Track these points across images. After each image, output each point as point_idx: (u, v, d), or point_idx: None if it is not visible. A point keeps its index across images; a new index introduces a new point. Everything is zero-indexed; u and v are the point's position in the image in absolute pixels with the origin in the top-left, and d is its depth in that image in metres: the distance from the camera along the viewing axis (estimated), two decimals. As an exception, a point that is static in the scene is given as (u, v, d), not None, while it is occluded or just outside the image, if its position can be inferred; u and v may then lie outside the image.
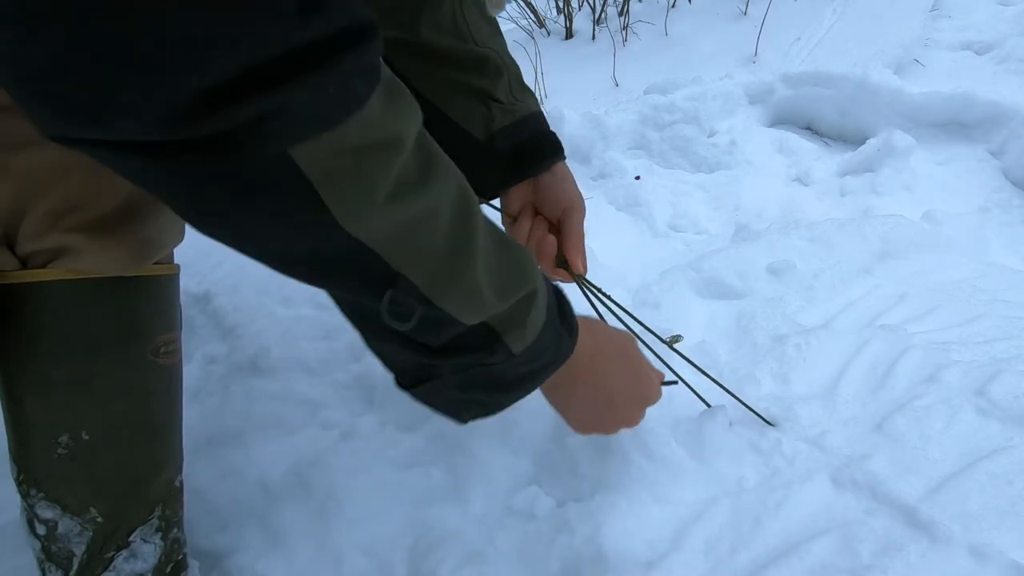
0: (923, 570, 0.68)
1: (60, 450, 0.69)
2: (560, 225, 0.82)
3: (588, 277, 0.90)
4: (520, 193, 0.84)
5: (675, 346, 0.93)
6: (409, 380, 0.57)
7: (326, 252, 0.44)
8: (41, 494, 0.71)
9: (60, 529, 0.71)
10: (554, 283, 0.61)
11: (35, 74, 0.34)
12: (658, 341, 0.94)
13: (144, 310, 0.72)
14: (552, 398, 0.71)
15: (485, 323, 0.52)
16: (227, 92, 0.34)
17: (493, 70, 0.81)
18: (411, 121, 0.43)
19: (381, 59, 0.41)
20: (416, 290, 0.47)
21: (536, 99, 0.86)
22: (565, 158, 0.85)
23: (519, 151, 0.82)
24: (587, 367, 0.65)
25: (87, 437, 0.69)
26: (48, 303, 0.66)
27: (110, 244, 0.66)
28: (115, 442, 0.71)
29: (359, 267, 0.45)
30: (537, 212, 0.86)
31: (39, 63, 0.33)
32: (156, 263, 0.73)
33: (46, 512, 0.71)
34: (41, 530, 0.72)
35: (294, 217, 0.41)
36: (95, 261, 0.66)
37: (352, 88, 0.38)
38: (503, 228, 0.80)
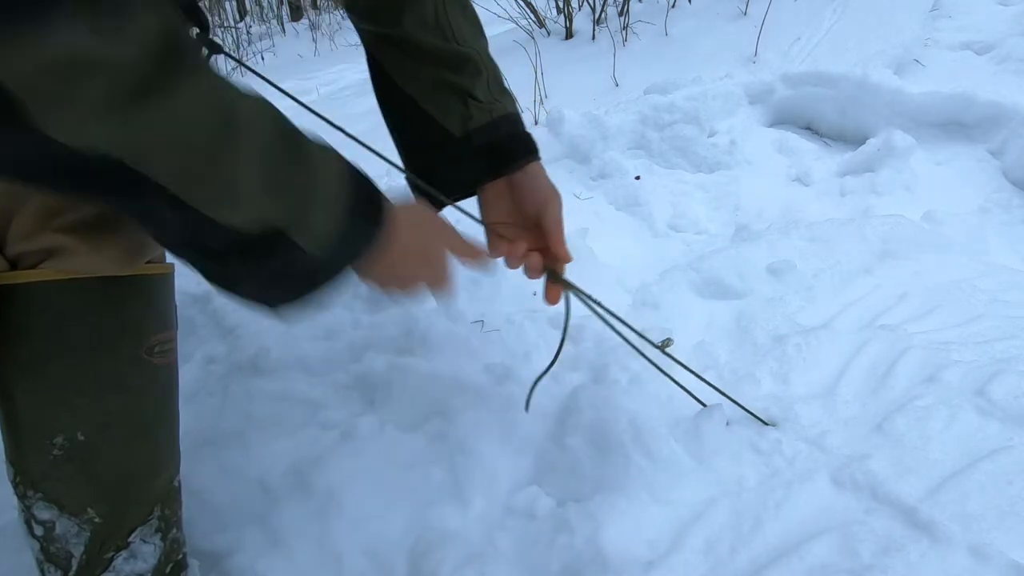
0: (923, 570, 0.68)
1: (56, 451, 0.68)
2: (539, 220, 0.83)
3: (585, 275, 0.90)
4: (496, 192, 0.85)
5: (667, 349, 0.93)
6: (212, 279, 0.58)
7: (52, 165, 0.45)
8: (39, 495, 0.70)
9: (58, 530, 0.71)
10: (361, 173, 0.61)
11: None
12: (650, 346, 0.94)
13: (137, 310, 0.72)
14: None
15: (270, 225, 0.52)
16: None
17: (473, 69, 0.82)
18: (131, 42, 0.44)
19: None
20: (169, 194, 0.47)
21: (514, 101, 0.88)
22: (540, 159, 0.86)
23: (494, 149, 0.83)
24: (384, 262, 0.65)
25: (82, 438, 0.69)
26: (39, 304, 0.66)
27: (101, 244, 0.66)
28: (111, 442, 0.71)
29: (100, 177, 0.46)
30: (516, 225, 0.86)
31: None
32: (149, 262, 0.73)
33: (44, 513, 0.71)
34: (39, 531, 0.72)
35: (4, 131, 0.42)
36: (86, 262, 0.66)
37: (29, 8, 0.39)
38: (485, 243, 0.82)
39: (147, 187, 0.47)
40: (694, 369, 0.96)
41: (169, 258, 0.77)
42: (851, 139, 1.81)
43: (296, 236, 0.54)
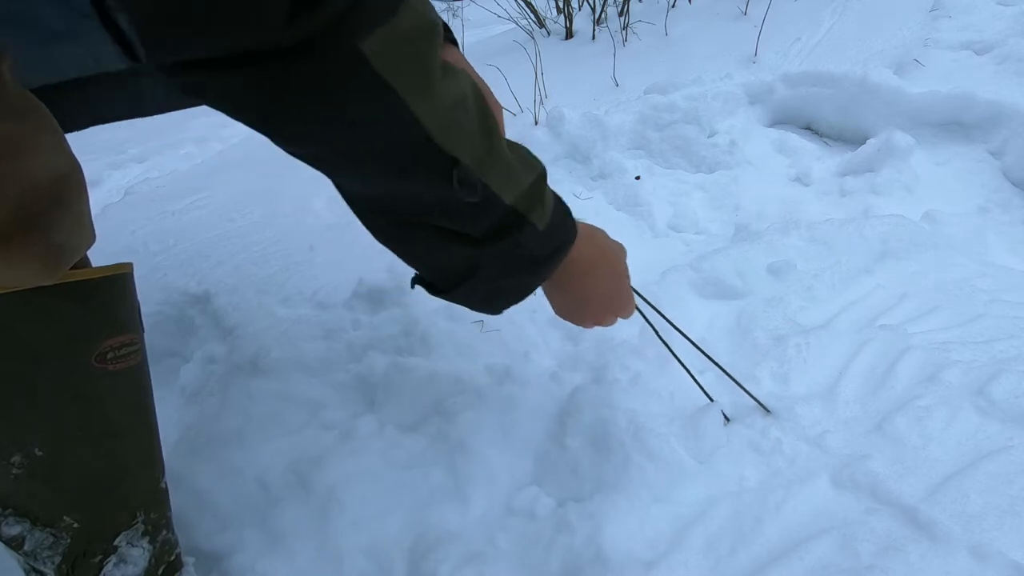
0: (923, 570, 0.68)
1: (16, 469, 0.67)
2: None
3: None
4: None
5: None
6: (449, 281, 0.62)
7: (395, 141, 0.48)
8: (8, 510, 0.69)
9: (27, 546, 0.69)
10: None
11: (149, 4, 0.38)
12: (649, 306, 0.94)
13: (79, 317, 0.68)
14: (554, 294, 0.77)
15: (514, 206, 0.57)
16: None
17: None
18: (435, 12, 0.49)
19: None
20: (468, 169, 0.52)
21: None
22: (454, 42, 0.80)
23: None
24: (583, 259, 0.70)
25: (40, 453, 0.67)
26: None
27: (13, 257, 0.61)
28: (74, 454, 0.69)
29: (422, 153, 0.50)
30: None
31: None
32: (76, 266, 0.68)
33: (12, 529, 0.69)
34: (10, 548, 0.70)
35: (365, 109, 0.46)
36: (3, 277, 0.62)
37: None
38: None
39: (459, 166, 0.51)
40: (695, 367, 0.96)
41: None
42: (851, 139, 1.81)
43: (531, 215, 0.59)
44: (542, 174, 0.61)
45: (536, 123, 1.93)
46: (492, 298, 0.67)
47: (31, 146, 0.62)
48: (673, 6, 2.53)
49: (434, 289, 0.66)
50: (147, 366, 0.78)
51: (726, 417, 0.90)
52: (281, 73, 0.42)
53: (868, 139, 1.65)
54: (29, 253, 0.63)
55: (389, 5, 0.43)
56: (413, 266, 0.64)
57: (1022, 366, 0.91)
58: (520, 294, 0.68)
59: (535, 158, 0.62)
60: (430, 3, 0.48)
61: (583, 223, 0.71)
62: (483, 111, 0.53)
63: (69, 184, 0.66)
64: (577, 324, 0.81)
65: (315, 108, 0.45)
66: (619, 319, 0.81)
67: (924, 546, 0.70)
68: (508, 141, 0.59)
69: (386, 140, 0.49)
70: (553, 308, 0.80)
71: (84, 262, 0.73)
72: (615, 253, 0.77)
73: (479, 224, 0.57)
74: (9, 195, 0.61)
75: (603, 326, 0.80)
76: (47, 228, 0.64)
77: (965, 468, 0.78)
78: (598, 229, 0.76)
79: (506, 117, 2.05)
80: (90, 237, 0.71)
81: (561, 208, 0.66)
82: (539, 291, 0.87)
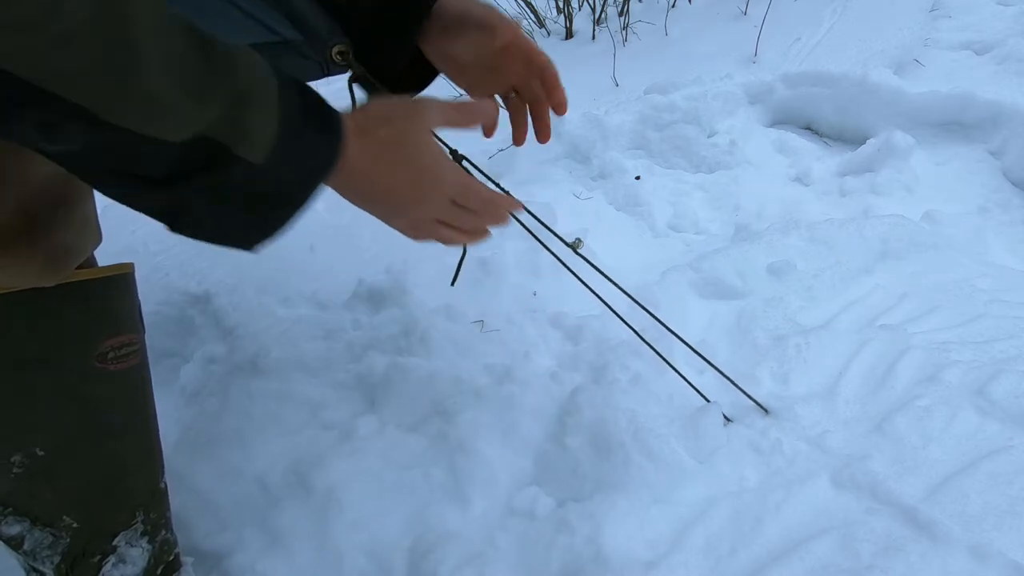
0: (923, 570, 0.68)
1: (16, 469, 0.66)
2: (491, 58, 0.71)
3: (585, 274, 0.89)
4: (438, 51, 0.74)
5: (579, 251, 0.88)
6: (168, 221, 0.51)
7: None
8: (8, 510, 0.69)
9: (26, 546, 0.70)
10: (302, 82, 0.53)
11: None
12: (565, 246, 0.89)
13: (77, 317, 0.68)
14: (341, 195, 0.63)
15: (201, 136, 0.46)
16: None
17: None
18: None
19: None
20: (69, 104, 0.40)
21: None
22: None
23: (378, 11, 0.72)
24: (354, 167, 0.57)
25: (41, 453, 0.67)
26: None
27: (15, 259, 0.61)
28: (73, 454, 0.69)
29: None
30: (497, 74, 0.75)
31: None
32: (81, 266, 0.69)
33: (11, 528, 0.69)
34: (10, 547, 0.70)
35: None
36: (5, 278, 0.61)
37: None
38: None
39: (57, 107, 0.40)
40: (695, 367, 0.96)
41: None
42: (851, 139, 1.81)
43: (237, 148, 0.47)
44: (241, 94, 0.48)
45: (536, 123, 1.93)
46: (236, 233, 0.55)
47: None
48: (673, 6, 2.53)
49: (169, 229, 0.53)
50: (147, 366, 0.78)
51: (726, 418, 0.90)
52: None
53: (868, 139, 1.65)
54: (31, 254, 0.62)
55: None
56: (122, 203, 0.51)
57: (1022, 366, 0.91)
58: (268, 228, 0.55)
59: (240, 69, 0.48)
60: None
61: (358, 115, 0.58)
62: (112, 27, 0.41)
63: (75, 184, 0.66)
64: (406, 228, 0.67)
65: None
66: (467, 208, 0.66)
67: (924, 546, 0.70)
68: (210, 51, 0.47)
69: None
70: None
71: (90, 262, 0.73)
72: (403, 130, 0.61)
73: (147, 166, 0.46)
74: (12, 195, 0.61)
75: (449, 224, 0.66)
76: (50, 228, 0.64)
77: (965, 468, 0.78)
78: (380, 106, 0.61)
79: (505, 116, 2.04)
80: (95, 238, 0.71)
81: (301, 126, 0.52)
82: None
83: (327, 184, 0.57)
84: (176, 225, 0.51)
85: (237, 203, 0.51)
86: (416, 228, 0.66)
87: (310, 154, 0.54)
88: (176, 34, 0.45)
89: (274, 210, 0.54)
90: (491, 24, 0.72)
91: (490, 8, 0.74)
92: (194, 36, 0.46)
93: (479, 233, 0.69)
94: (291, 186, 0.53)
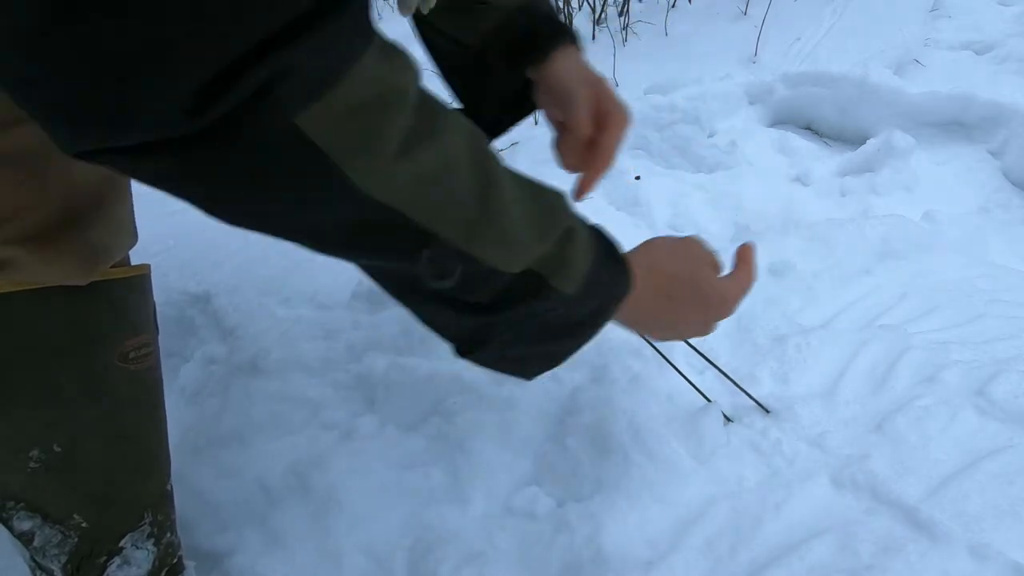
0: (923, 570, 0.68)
1: (32, 464, 0.67)
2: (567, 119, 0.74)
3: None
4: (544, 104, 0.77)
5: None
6: (468, 346, 0.57)
7: (352, 220, 0.43)
8: (21, 505, 0.69)
9: (36, 542, 0.70)
10: (593, 223, 0.58)
11: (46, 92, 0.34)
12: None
13: (105, 316, 0.69)
14: (628, 326, 0.68)
15: (529, 269, 0.51)
16: (233, 70, 0.33)
17: None
18: (408, 75, 0.43)
19: (371, 18, 0.41)
20: (451, 244, 0.46)
21: None
22: (572, 42, 0.74)
23: (511, 49, 0.74)
24: (647, 297, 0.61)
25: (59, 449, 0.67)
26: None
27: (54, 255, 0.63)
28: (90, 452, 0.69)
29: (389, 231, 0.44)
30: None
31: (47, 79, 0.33)
32: (114, 266, 0.70)
33: (23, 524, 0.69)
34: (19, 543, 0.71)
35: (312, 189, 0.41)
36: (39, 273, 0.63)
37: (348, 45, 0.38)
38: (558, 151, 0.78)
39: (433, 242, 0.45)
40: (695, 367, 0.96)
41: (141, 259, 0.75)
42: (851, 139, 1.81)
43: (554, 280, 0.52)
44: (568, 231, 0.52)
45: (536, 123, 1.93)
46: (522, 363, 0.60)
47: None
48: (673, 6, 2.53)
49: (457, 352, 0.59)
50: (160, 367, 0.79)
51: (727, 417, 0.90)
52: (206, 157, 0.37)
53: (868, 139, 1.65)
54: (68, 252, 0.64)
55: (326, 78, 0.37)
56: (426, 326, 0.57)
57: (1022, 366, 0.91)
58: (555, 359, 0.60)
59: (562, 209, 0.53)
60: (403, 63, 0.42)
61: (642, 252, 0.63)
62: (480, 171, 0.47)
63: (114, 185, 0.68)
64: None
65: (250, 190, 0.40)
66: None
67: (924, 546, 0.70)
68: (537, 189, 0.52)
69: (338, 220, 0.43)
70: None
71: (124, 262, 0.73)
72: (688, 269, 0.65)
73: (480, 294, 0.50)
74: (56, 194, 0.63)
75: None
76: (87, 228, 0.65)
77: (965, 468, 0.78)
78: (661, 246, 0.66)
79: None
80: (130, 239, 0.73)
81: (604, 261, 0.56)
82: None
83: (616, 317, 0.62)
84: (473, 350, 0.57)
85: (538, 332, 0.55)
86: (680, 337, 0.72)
87: (611, 287, 0.58)
88: (514, 177, 0.51)
89: (566, 341, 0.58)
90: (572, 91, 0.74)
91: (590, 75, 0.74)
92: (523, 178, 0.52)
93: None
94: (588, 316, 0.57)
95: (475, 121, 0.72)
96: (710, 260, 0.68)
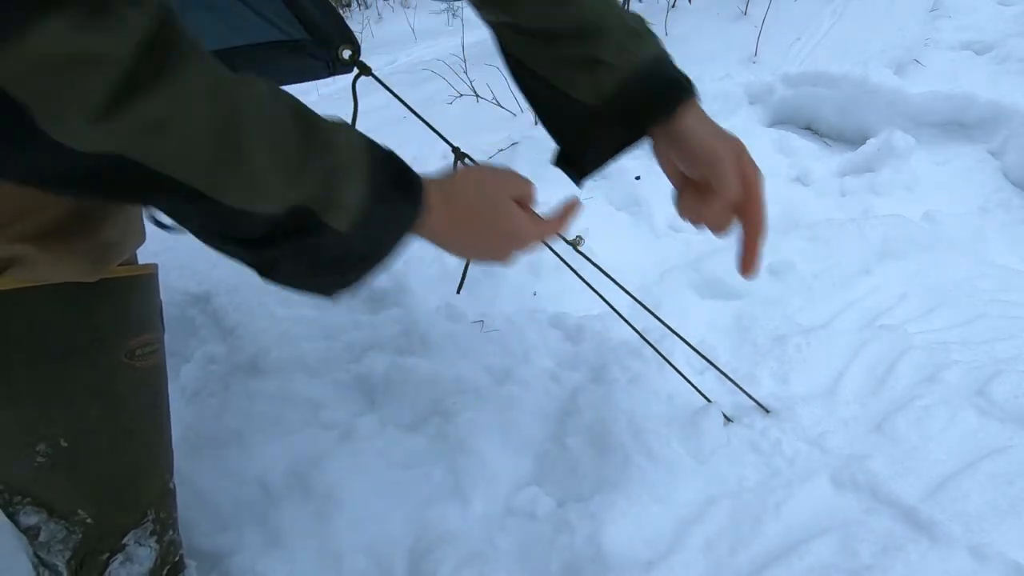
0: (923, 570, 0.68)
1: (39, 458, 0.68)
2: (711, 181, 0.73)
3: (586, 274, 0.89)
4: (661, 150, 0.78)
5: (580, 248, 0.91)
6: (261, 271, 0.57)
7: (72, 169, 0.45)
8: (27, 499, 0.70)
9: (42, 537, 0.70)
10: (382, 147, 0.59)
11: None
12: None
13: (112, 314, 0.70)
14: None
15: (296, 206, 0.51)
16: None
17: (593, 33, 0.74)
18: (116, 37, 0.43)
19: None
20: (189, 188, 0.47)
21: (653, 39, 0.78)
22: (693, 97, 0.75)
23: (629, 109, 0.75)
24: (441, 227, 0.63)
25: (65, 444, 0.68)
26: (5, 312, 0.64)
27: (64, 252, 0.64)
28: (95, 447, 0.70)
29: (117, 178, 0.46)
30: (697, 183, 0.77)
31: None
32: (121, 264, 0.71)
33: (29, 519, 0.70)
34: (24, 537, 0.71)
35: (18, 140, 0.42)
36: (50, 271, 0.64)
37: (20, 4, 0.39)
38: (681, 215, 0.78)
39: (166, 184, 0.46)
40: (695, 367, 0.96)
41: (142, 259, 0.77)
42: (851, 139, 1.81)
43: (326, 217, 0.53)
44: (333, 170, 0.53)
45: (536, 123, 1.93)
46: (318, 286, 0.60)
47: None
48: (673, 6, 2.54)
49: (259, 275, 0.58)
50: (165, 366, 0.80)
51: (727, 417, 0.90)
52: None
53: (868, 139, 1.65)
54: (78, 250, 0.65)
55: (7, 27, 0.38)
56: (222, 255, 0.57)
57: (1022, 366, 0.91)
58: (347, 283, 0.60)
59: (334, 147, 0.54)
60: (112, 26, 0.42)
61: (449, 181, 0.64)
62: (220, 120, 0.47)
63: None
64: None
65: None
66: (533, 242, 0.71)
67: (924, 546, 0.70)
68: (311, 128, 0.52)
69: (59, 168, 0.45)
70: None
71: (131, 261, 0.75)
72: (489, 203, 0.67)
73: (244, 230, 0.51)
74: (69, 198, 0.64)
75: (504, 261, 0.71)
76: (97, 226, 0.67)
77: (965, 468, 0.78)
78: (471, 177, 0.67)
79: (506, 117, 2.05)
80: (138, 237, 0.74)
81: (387, 195, 0.57)
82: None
83: (419, 237, 0.63)
84: (264, 276, 0.57)
85: (320, 263, 0.57)
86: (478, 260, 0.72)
87: (392, 221, 0.59)
88: (280, 117, 0.51)
89: (353, 269, 0.59)
90: (715, 154, 0.73)
91: (723, 138, 0.74)
92: (298, 117, 0.52)
93: None
94: (371, 249, 0.59)
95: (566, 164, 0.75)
96: (520, 192, 0.70)
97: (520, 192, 0.70)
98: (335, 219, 0.53)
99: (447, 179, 0.64)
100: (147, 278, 0.75)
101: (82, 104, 0.42)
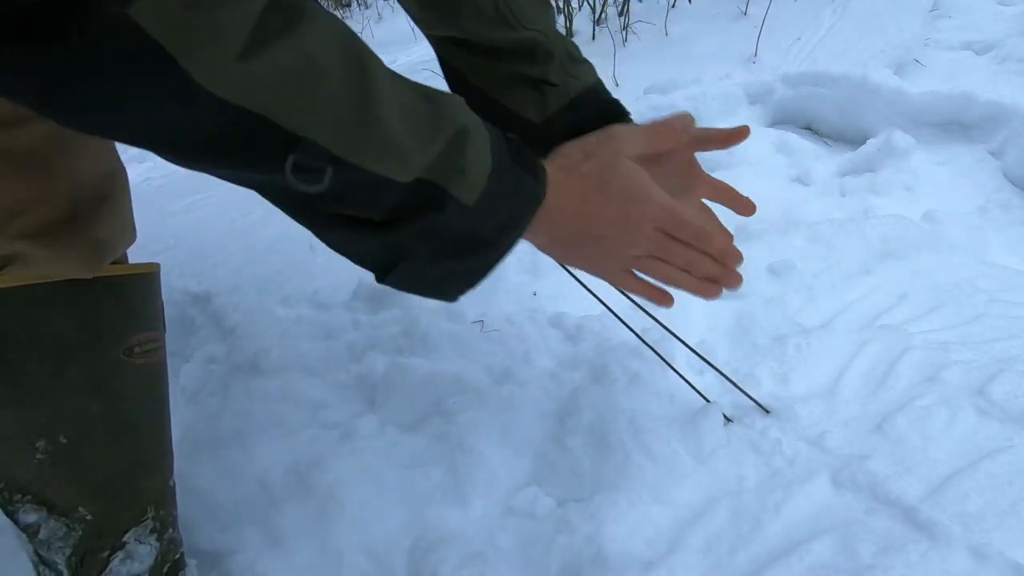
0: (923, 570, 0.68)
1: (39, 455, 0.68)
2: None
3: (585, 275, 0.89)
4: None
5: None
6: (381, 269, 0.54)
7: (205, 124, 0.41)
8: (28, 497, 0.70)
9: (42, 535, 0.71)
10: (501, 128, 0.56)
11: None
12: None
13: (112, 311, 0.70)
14: (542, 247, 0.65)
15: (420, 179, 0.48)
16: None
17: (543, 55, 0.76)
18: None
19: None
20: (321, 148, 0.44)
21: (592, 67, 0.81)
22: (630, 118, 0.78)
23: (573, 129, 0.72)
24: (563, 208, 0.58)
25: (64, 441, 0.68)
26: (4, 310, 0.64)
27: (59, 250, 0.64)
28: (95, 444, 0.71)
29: (249, 135, 0.42)
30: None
31: None
32: (114, 263, 0.71)
33: (28, 517, 0.70)
34: (24, 536, 0.72)
35: (153, 88, 0.39)
36: (47, 268, 0.64)
37: None
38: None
39: (302, 147, 0.43)
40: (695, 367, 0.96)
41: (140, 259, 0.77)
42: (851, 139, 1.81)
43: (452, 188, 0.49)
44: (461, 132, 0.50)
45: (536, 123, 1.93)
46: (441, 283, 0.57)
47: (83, 143, 0.65)
48: (673, 6, 2.53)
49: (377, 279, 0.56)
50: (166, 365, 0.80)
51: (727, 418, 0.90)
52: (34, 49, 0.35)
53: (868, 139, 1.65)
54: (73, 248, 0.66)
55: None
56: (341, 255, 0.55)
57: (1022, 366, 0.91)
58: (472, 277, 0.57)
59: (455, 111, 0.51)
60: None
61: (558, 155, 0.61)
62: (354, 73, 0.44)
63: (115, 183, 0.71)
64: (610, 277, 0.67)
65: (85, 89, 0.38)
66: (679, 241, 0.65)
67: (924, 546, 0.70)
68: (427, 91, 0.50)
69: (188, 123, 0.41)
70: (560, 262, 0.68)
71: (122, 260, 0.75)
72: (599, 167, 0.62)
73: (371, 207, 0.48)
74: (63, 191, 0.64)
75: (656, 275, 0.66)
76: (92, 224, 0.67)
77: (965, 468, 0.78)
78: (587, 143, 0.63)
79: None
80: (131, 236, 0.75)
81: (510, 164, 0.54)
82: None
83: (535, 236, 0.59)
84: (388, 273, 0.54)
85: (447, 247, 0.53)
86: (627, 267, 0.66)
87: (519, 193, 0.55)
88: (400, 81, 0.48)
89: (480, 255, 0.55)
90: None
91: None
92: (414, 83, 0.50)
93: (698, 270, 0.67)
94: (499, 228, 0.55)
95: None
96: (641, 146, 0.65)
97: (639, 146, 0.65)
98: (462, 191, 0.50)
99: (557, 155, 0.61)
100: (148, 277, 0.75)
101: (229, 43, 0.39)
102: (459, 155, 0.50)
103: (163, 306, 0.80)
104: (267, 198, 0.50)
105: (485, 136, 0.52)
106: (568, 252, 0.65)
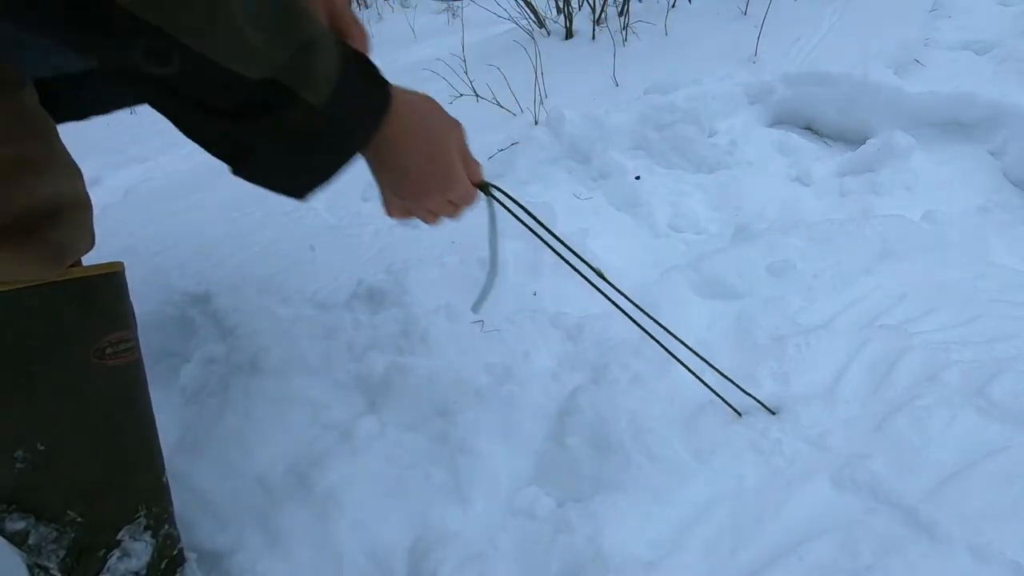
0: (923, 570, 0.68)
1: (19, 464, 0.67)
2: None
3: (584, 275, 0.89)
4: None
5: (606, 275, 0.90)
6: (232, 158, 0.57)
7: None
8: (13, 507, 0.70)
9: (31, 540, 0.70)
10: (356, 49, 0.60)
11: None
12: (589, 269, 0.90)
13: (77, 313, 0.70)
14: (383, 167, 0.69)
15: (269, 78, 0.51)
16: None
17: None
18: None
19: None
20: (167, 35, 0.47)
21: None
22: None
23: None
24: (396, 130, 0.63)
25: (43, 447, 0.68)
26: None
27: (16, 255, 0.64)
28: (74, 448, 0.70)
29: (99, 14, 0.45)
30: None
31: None
32: (72, 266, 0.71)
33: (15, 525, 0.70)
34: (13, 544, 0.71)
35: None
36: (4, 272, 0.64)
37: None
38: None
39: (160, 37, 0.46)
40: (695, 368, 0.96)
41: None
42: (851, 139, 1.80)
43: (300, 90, 0.53)
44: (310, 40, 0.53)
45: (536, 123, 1.93)
46: (291, 178, 0.60)
47: (44, 165, 0.66)
48: (673, 6, 2.53)
49: (232, 171, 0.58)
50: (142, 363, 0.79)
51: (736, 411, 0.90)
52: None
53: (868, 139, 1.65)
54: (30, 252, 0.65)
55: None
56: (194, 141, 0.57)
57: (1022, 366, 0.91)
58: (320, 173, 0.60)
59: (308, 21, 0.54)
60: None
61: (410, 93, 0.65)
62: None
63: (74, 202, 0.71)
64: (407, 206, 0.73)
65: None
66: (459, 207, 0.74)
67: (924, 546, 0.70)
68: (284, 2, 0.53)
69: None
70: (377, 185, 0.73)
71: (79, 264, 0.74)
72: (439, 126, 0.68)
73: (221, 97, 0.51)
74: (19, 206, 0.64)
75: (436, 212, 0.73)
76: (49, 230, 0.67)
77: (965, 468, 0.78)
78: (427, 100, 0.69)
79: (506, 117, 2.05)
80: (88, 241, 0.74)
81: (358, 76, 0.58)
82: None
83: (369, 151, 0.64)
84: (237, 165, 0.57)
85: (295, 144, 0.56)
86: (407, 198, 0.72)
87: (364, 102, 0.59)
88: None
89: (328, 154, 0.59)
90: None
91: None
92: None
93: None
94: (345, 131, 0.58)
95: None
96: (462, 149, 0.72)
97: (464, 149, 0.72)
98: (309, 92, 0.53)
99: (408, 93, 0.65)
100: (113, 276, 0.75)
101: None
102: (308, 60, 0.53)
103: (132, 305, 0.79)
104: (131, 88, 0.52)
105: (336, 48, 0.56)
106: (403, 178, 0.69)
